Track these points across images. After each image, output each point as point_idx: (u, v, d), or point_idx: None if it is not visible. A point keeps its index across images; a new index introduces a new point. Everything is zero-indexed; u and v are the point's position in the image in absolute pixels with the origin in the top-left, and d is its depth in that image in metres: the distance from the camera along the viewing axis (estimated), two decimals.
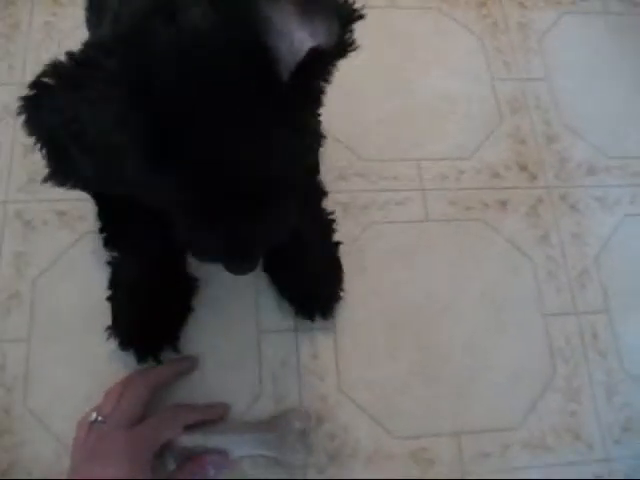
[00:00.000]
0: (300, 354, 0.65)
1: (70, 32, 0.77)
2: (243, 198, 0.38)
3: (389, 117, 0.78)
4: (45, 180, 0.39)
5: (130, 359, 0.61)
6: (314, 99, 0.39)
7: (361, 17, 0.35)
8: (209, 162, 0.35)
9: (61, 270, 0.66)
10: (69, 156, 0.36)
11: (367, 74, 0.79)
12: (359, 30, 0.35)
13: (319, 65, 0.35)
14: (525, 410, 0.66)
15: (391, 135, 0.78)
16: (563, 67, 0.85)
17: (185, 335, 0.64)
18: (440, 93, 0.81)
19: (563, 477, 0.64)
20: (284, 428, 0.59)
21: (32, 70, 0.73)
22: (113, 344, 0.61)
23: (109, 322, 0.62)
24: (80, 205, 0.68)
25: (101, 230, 0.63)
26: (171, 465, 0.56)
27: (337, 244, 0.68)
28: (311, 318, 0.65)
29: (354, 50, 0.35)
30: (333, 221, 0.69)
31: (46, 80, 0.35)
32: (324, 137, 0.62)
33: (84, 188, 0.46)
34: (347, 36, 0.34)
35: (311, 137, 0.43)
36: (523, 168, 0.78)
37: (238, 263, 0.48)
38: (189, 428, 0.57)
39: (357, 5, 0.35)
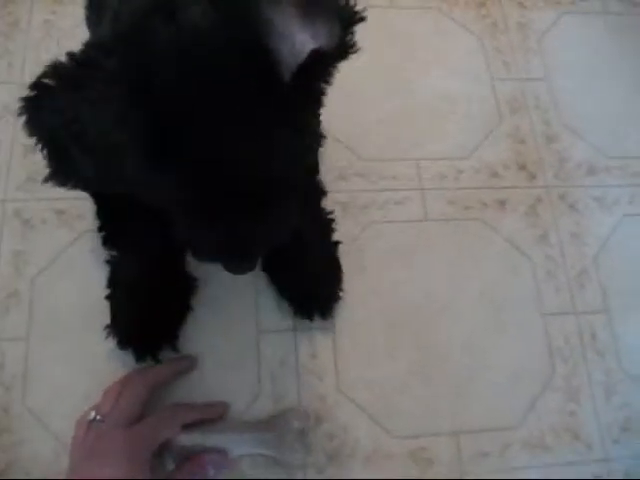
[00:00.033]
0: (299, 354, 0.65)
1: (70, 30, 0.77)
2: (243, 197, 0.38)
3: (389, 117, 0.78)
4: (46, 180, 0.39)
5: (129, 358, 0.61)
6: (315, 100, 0.39)
7: (362, 19, 0.35)
8: (209, 161, 0.35)
9: (60, 269, 0.66)
10: (70, 156, 0.36)
11: (367, 74, 0.79)
12: (360, 32, 0.35)
13: (320, 67, 0.35)
14: (524, 410, 0.66)
15: (391, 135, 0.78)
16: (562, 67, 0.85)
17: (184, 334, 0.64)
18: (440, 93, 0.81)
19: (562, 477, 0.64)
20: (283, 427, 0.59)
21: (31, 68, 0.74)
22: (112, 343, 0.61)
23: (108, 321, 0.62)
24: (79, 204, 0.68)
25: (100, 229, 0.63)
26: (170, 465, 0.56)
27: (336, 244, 0.68)
28: (310, 318, 0.65)
29: (355, 52, 0.35)
30: (332, 221, 0.69)
31: (46, 81, 0.35)
32: (324, 137, 0.62)
33: (85, 188, 0.46)
34: (348, 38, 0.34)
35: (311, 137, 0.43)
36: (522, 168, 0.78)
37: (237, 263, 0.48)
38: (188, 427, 0.57)
39: (358, 7, 0.35)
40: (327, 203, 0.70)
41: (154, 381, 0.58)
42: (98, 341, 0.62)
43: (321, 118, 0.45)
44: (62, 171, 0.39)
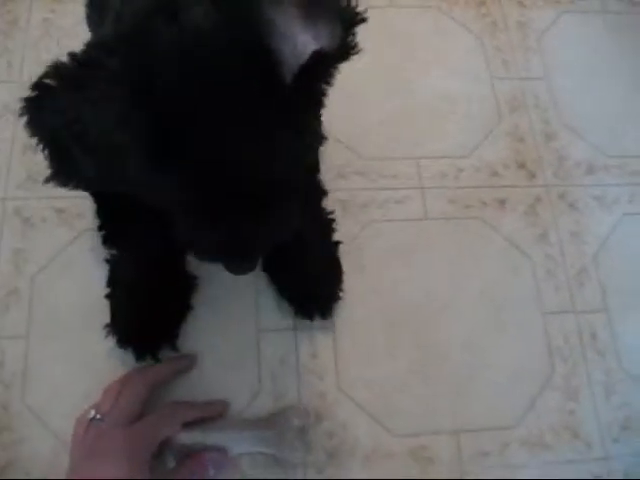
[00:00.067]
0: (299, 352, 0.65)
1: (69, 29, 0.77)
2: (245, 198, 0.38)
3: (389, 117, 0.78)
4: (47, 181, 0.39)
5: (128, 357, 0.61)
6: (316, 101, 0.39)
7: (364, 20, 0.35)
8: (211, 162, 0.35)
9: (60, 267, 0.66)
10: (71, 157, 0.36)
11: (367, 74, 0.79)
12: (360, 32, 0.35)
13: (322, 68, 0.35)
14: (524, 408, 0.66)
15: (391, 134, 0.78)
16: (562, 66, 0.85)
17: (184, 333, 0.64)
18: (440, 92, 0.81)
19: (562, 475, 0.64)
20: (283, 425, 0.59)
21: (30, 67, 0.74)
22: (111, 342, 0.61)
23: (107, 320, 0.62)
24: (79, 202, 0.68)
25: (100, 228, 0.63)
26: (170, 462, 0.56)
27: (337, 244, 0.68)
28: (310, 318, 0.65)
29: (357, 53, 0.35)
30: (333, 221, 0.69)
31: (48, 81, 0.34)
32: (325, 138, 0.62)
33: (86, 188, 0.46)
34: (350, 39, 0.34)
35: (312, 137, 0.43)
36: (522, 167, 0.78)
37: (238, 263, 0.48)
38: (188, 425, 0.57)
39: (360, 8, 0.35)
40: (327, 202, 0.70)
41: (154, 380, 0.58)
42: (98, 340, 0.62)
43: (322, 118, 0.45)
44: (64, 171, 0.39)
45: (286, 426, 0.59)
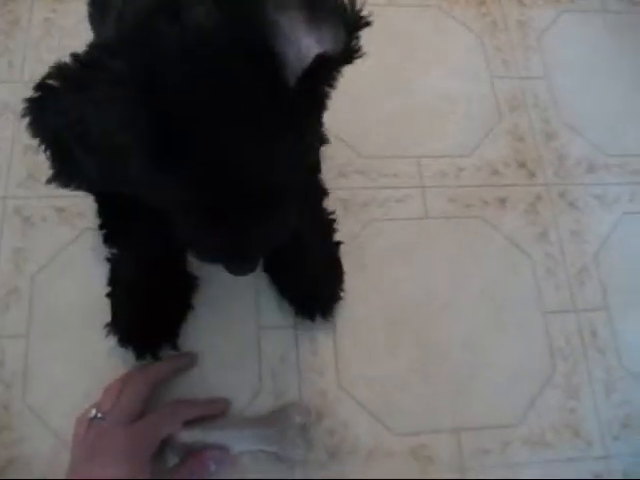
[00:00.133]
0: (299, 350, 0.65)
1: (70, 29, 0.77)
2: (245, 199, 0.38)
3: (389, 116, 0.79)
4: (49, 181, 0.39)
5: (129, 356, 0.61)
6: (319, 104, 0.39)
7: (368, 24, 0.35)
8: (212, 162, 0.35)
9: (60, 266, 0.66)
10: (73, 157, 0.36)
11: (367, 74, 0.79)
12: (363, 35, 0.35)
13: (325, 71, 0.35)
14: (524, 407, 0.66)
15: (391, 134, 0.78)
16: (562, 65, 0.85)
17: (185, 333, 0.64)
18: (440, 92, 0.81)
19: (563, 472, 0.64)
20: (284, 423, 0.59)
21: (32, 67, 0.74)
22: (112, 341, 0.61)
23: (108, 319, 0.62)
24: (79, 202, 0.68)
25: (101, 227, 0.63)
26: (172, 460, 0.56)
27: (338, 244, 0.68)
28: (311, 318, 0.65)
29: (360, 57, 0.35)
30: (334, 221, 0.69)
31: (51, 82, 0.34)
32: (327, 140, 0.62)
33: (88, 189, 0.46)
34: (353, 43, 0.34)
35: (314, 139, 0.43)
36: (522, 166, 0.78)
37: (238, 264, 0.48)
38: (189, 424, 0.57)
39: (364, 12, 0.35)
40: (328, 201, 0.70)
41: (154, 378, 0.58)
42: (98, 339, 0.62)
43: (323, 118, 0.45)
44: (66, 172, 0.39)
45: (287, 424, 0.59)
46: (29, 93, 0.35)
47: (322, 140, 0.50)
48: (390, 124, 0.78)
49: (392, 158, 0.76)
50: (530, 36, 0.87)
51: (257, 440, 0.59)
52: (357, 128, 0.77)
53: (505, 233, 0.74)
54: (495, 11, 0.88)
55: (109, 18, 0.39)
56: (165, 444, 0.55)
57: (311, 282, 0.66)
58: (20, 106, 0.35)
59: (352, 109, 0.76)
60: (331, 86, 0.37)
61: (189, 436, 0.56)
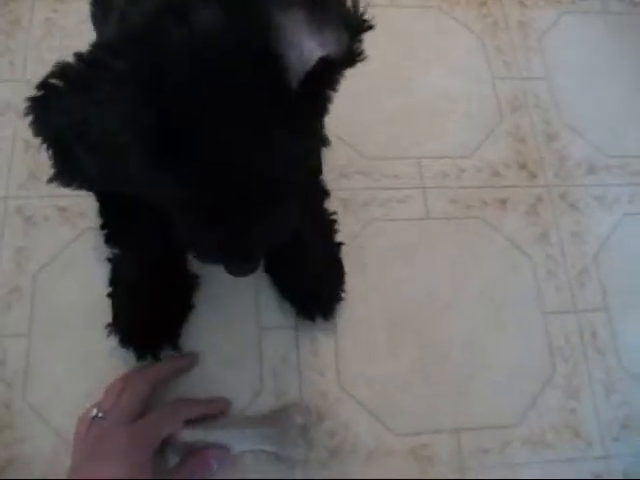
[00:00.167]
0: (300, 351, 0.65)
1: (71, 29, 0.77)
2: (246, 200, 0.38)
3: (390, 116, 0.79)
4: (51, 180, 0.39)
5: (130, 356, 0.61)
6: (321, 107, 0.39)
7: (370, 27, 0.35)
8: (214, 162, 0.35)
9: (62, 266, 0.66)
10: (75, 157, 0.36)
11: (368, 73, 0.79)
12: (366, 38, 0.35)
13: (328, 74, 0.35)
14: (524, 407, 0.66)
15: (392, 134, 0.78)
16: (563, 66, 0.86)
17: (186, 333, 0.64)
18: (440, 92, 0.81)
19: (562, 473, 0.64)
20: (285, 423, 0.59)
21: (33, 67, 0.74)
22: (113, 341, 0.61)
23: (109, 319, 0.62)
24: (81, 201, 0.68)
25: (102, 226, 0.64)
26: (173, 460, 0.56)
27: (339, 245, 0.69)
28: (312, 319, 0.66)
29: (362, 60, 0.35)
30: (335, 221, 0.69)
31: (54, 81, 0.35)
32: (329, 141, 0.62)
33: (90, 189, 0.46)
34: (356, 46, 0.35)
35: (316, 141, 0.43)
36: (523, 167, 0.78)
37: (238, 264, 0.48)
38: (190, 423, 0.57)
39: (366, 15, 0.35)
40: (329, 201, 0.70)
41: (156, 378, 0.58)
42: (99, 339, 0.62)
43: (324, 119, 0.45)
44: (67, 171, 0.39)
45: (288, 424, 0.59)
46: (31, 92, 0.35)
47: (323, 142, 0.50)
48: (391, 123, 0.78)
49: (393, 159, 0.76)
50: (531, 37, 0.87)
51: (258, 440, 0.59)
52: (358, 127, 0.77)
53: (506, 234, 0.74)
54: (496, 12, 0.88)
55: (112, 18, 0.39)
56: (166, 443, 0.55)
57: (312, 282, 0.66)
58: (22, 105, 0.35)
59: (353, 108, 0.76)
60: (333, 89, 0.37)
61: (190, 435, 0.57)
